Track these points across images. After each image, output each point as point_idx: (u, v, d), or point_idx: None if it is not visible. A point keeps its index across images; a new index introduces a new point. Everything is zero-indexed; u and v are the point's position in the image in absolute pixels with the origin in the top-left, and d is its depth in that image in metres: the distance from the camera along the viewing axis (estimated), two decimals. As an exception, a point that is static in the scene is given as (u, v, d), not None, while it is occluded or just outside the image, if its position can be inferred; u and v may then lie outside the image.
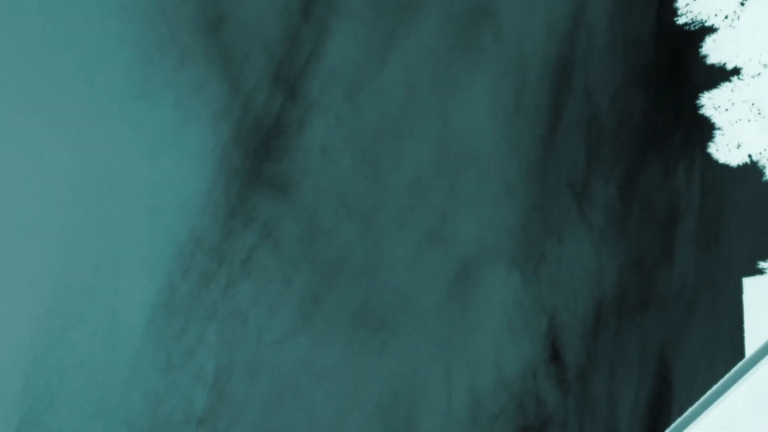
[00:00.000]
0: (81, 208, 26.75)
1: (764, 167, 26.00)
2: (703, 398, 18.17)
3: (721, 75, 26.32)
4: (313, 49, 28.06)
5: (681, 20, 26.42)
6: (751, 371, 17.80)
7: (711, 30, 26.16)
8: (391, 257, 28.17)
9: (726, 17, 25.67)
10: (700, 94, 26.64)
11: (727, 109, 25.97)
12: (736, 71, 26.05)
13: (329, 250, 28.04)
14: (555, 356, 28.46)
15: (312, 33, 28.01)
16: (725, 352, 27.57)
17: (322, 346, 27.94)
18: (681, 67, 27.88)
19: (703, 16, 25.95)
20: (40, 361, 26.47)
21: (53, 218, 26.43)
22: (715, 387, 18.17)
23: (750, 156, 26.16)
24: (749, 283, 20.39)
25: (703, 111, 26.53)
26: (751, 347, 19.37)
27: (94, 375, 26.81)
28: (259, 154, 28.19)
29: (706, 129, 26.72)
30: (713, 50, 25.92)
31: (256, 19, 27.65)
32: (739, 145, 26.05)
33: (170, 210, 27.38)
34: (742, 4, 25.39)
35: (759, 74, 25.53)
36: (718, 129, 26.28)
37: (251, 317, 27.86)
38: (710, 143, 26.60)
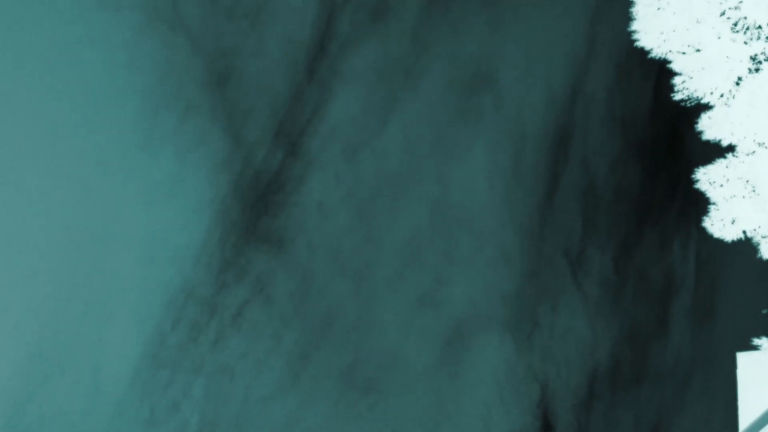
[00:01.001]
0: (73, 253, 26.71)
1: (758, 244, 26.03)
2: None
3: (717, 151, 26.68)
4: (316, 107, 28.58)
5: (677, 96, 26.98)
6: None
7: (707, 107, 26.68)
8: (383, 318, 27.91)
9: (721, 96, 26.23)
10: (696, 169, 26.95)
11: (722, 185, 26.20)
12: (731, 148, 26.42)
13: (321, 308, 27.82)
14: (546, 427, 27.82)
15: (315, 92, 28.58)
16: (719, 428, 26.97)
17: (309, 405, 27.38)
18: (677, 141, 28.28)
19: (698, 94, 26.51)
20: (20, 408, 25.94)
21: (44, 261, 26.38)
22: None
23: (744, 232, 26.24)
24: (743, 359, 20.12)
25: (698, 186, 26.78)
26: (744, 423, 18.96)
27: (74, 426, 26.22)
28: (257, 208, 28.33)
29: (701, 204, 26.90)
30: (709, 127, 26.37)
31: (261, 76, 28.28)
32: (734, 221, 26.17)
33: (164, 260, 27.32)
34: (738, 83, 25.99)
35: (753, 152, 25.89)
36: (713, 204, 26.46)
37: (239, 373, 27.40)
38: (705, 218, 26.73)
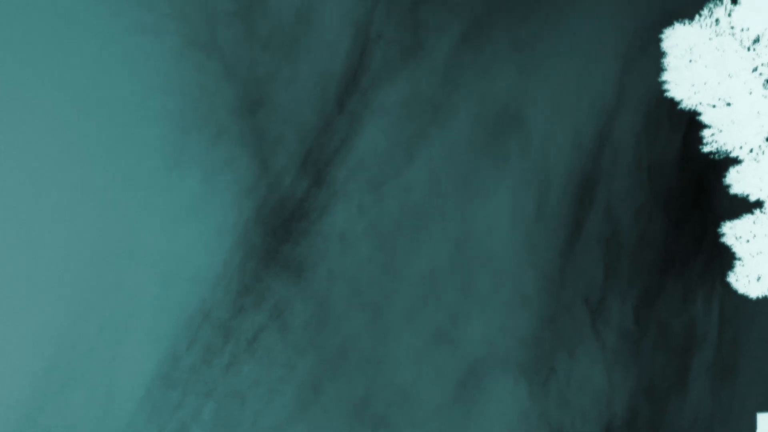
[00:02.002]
0: (94, 268, 26.95)
1: (785, 303, 25.54)
2: None
3: (744, 206, 26.43)
4: (344, 138, 28.87)
5: (706, 149, 26.88)
6: None
7: (735, 161, 26.53)
8: (397, 353, 27.68)
9: (751, 151, 26.08)
10: (722, 223, 26.68)
11: (748, 241, 25.89)
12: (758, 204, 26.17)
13: (336, 339, 27.68)
14: (557, 477, 27.21)
15: (345, 124, 28.91)
16: (737, 494, 26.15)
17: (317, 437, 27.09)
18: (704, 193, 28.08)
19: (728, 147, 26.40)
20: (31, 419, 25.93)
21: (65, 275, 26.62)
22: None
23: (770, 290, 25.81)
24: (764, 420, 19.60)
25: (724, 240, 26.48)
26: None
27: (81, 441, 26.14)
28: (279, 234, 28.48)
29: (726, 258, 26.55)
30: (737, 181, 26.17)
31: (293, 105, 28.69)
32: (759, 278, 25.76)
33: (183, 280, 27.45)
34: (764, 91, 25.83)
35: (782, 209, 25.60)
36: (739, 259, 26.10)
37: (250, 399, 27.23)
38: (730, 273, 26.35)
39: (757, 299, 25.87)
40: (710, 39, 26.06)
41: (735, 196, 26.42)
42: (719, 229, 26.78)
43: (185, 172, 27.82)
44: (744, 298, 26.06)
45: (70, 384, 26.17)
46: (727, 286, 26.32)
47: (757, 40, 25.68)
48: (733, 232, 26.12)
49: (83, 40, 27.28)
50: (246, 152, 28.36)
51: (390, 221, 28.85)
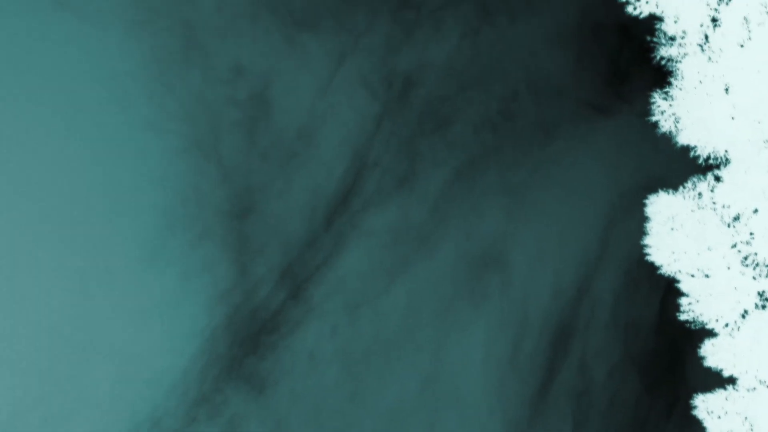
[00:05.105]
0: (50, 353, 25.83)
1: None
2: None
3: (717, 380, 26.30)
4: (327, 257, 28.79)
5: (683, 317, 27.09)
6: None
7: (711, 333, 26.68)
8: (352, 490, 26.29)
9: (726, 325, 26.30)
10: (695, 395, 26.43)
11: (719, 417, 25.56)
12: (732, 380, 26.07)
13: (289, 466, 26.31)
14: None
15: (330, 242, 28.93)
16: None
17: None
18: (678, 361, 28.01)
19: (704, 319, 26.61)
20: None
21: (16, 356, 25.43)
22: None
23: (740, 472, 25.21)
24: None
25: (696, 412, 26.13)
26: None
27: None
28: (246, 345, 27.71)
29: (696, 431, 26.10)
30: (711, 354, 26.20)
31: (281, 217, 28.79)
32: (730, 458, 25.23)
33: (139, 381, 26.32)
34: (743, 316, 26.17)
35: (755, 389, 25.50)
36: (710, 435, 25.66)
37: None
38: (700, 448, 25.82)
39: (726, 479, 25.24)
40: (692, 211, 26.95)
41: (709, 368, 26.36)
42: (691, 401, 26.49)
43: (162, 269, 27.35)
44: (712, 476, 25.42)
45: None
46: (696, 461, 25.73)
47: (737, 218, 26.59)
48: (705, 406, 25.84)
49: (88, 128, 27.53)
50: (227, 257, 28.11)
51: (362, 346, 28.27)
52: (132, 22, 27.18)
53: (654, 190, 27.98)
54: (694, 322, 26.84)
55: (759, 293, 26.20)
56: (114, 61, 27.15)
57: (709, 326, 26.53)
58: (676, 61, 26.51)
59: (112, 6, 26.97)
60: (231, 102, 28.00)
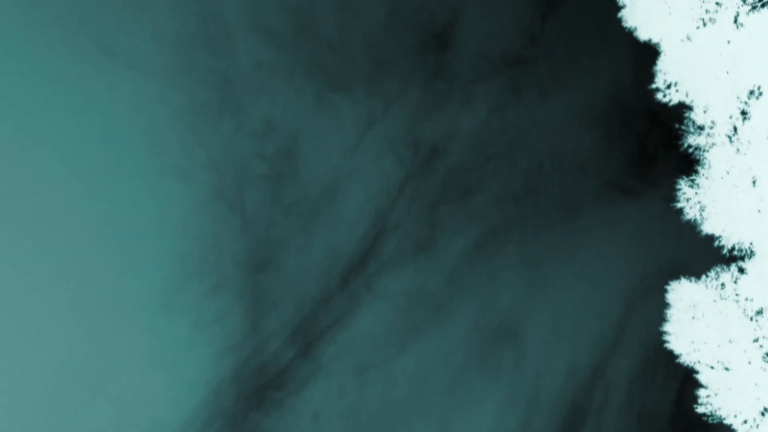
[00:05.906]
0: (52, 395, 25.64)
1: None
2: None
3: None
4: (340, 316, 28.60)
5: (700, 409, 26.25)
6: None
7: (729, 429, 25.75)
8: None
9: (745, 422, 25.41)
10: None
11: None
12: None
13: None
14: None
15: (344, 302, 28.78)
16: None
17: None
18: (694, 456, 27.00)
19: (722, 413, 25.76)
20: None
21: (18, 395, 25.30)
22: None
23: None
24: None
25: None
26: None
27: None
28: (252, 400, 27.33)
29: None
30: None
31: (298, 273, 28.77)
32: None
33: (139, 429, 25.96)
34: (763, 414, 25.28)
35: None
36: None
37: None
38: None
39: None
40: (714, 301, 26.43)
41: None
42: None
43: (174, 317, 27.34)
44: None
45: None
46: None
47: (760, 312, 26.00)
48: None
49: (118, 170, 28.04)
50: (240, 309, 28.05)
51: (368, 411, 27.72)
52: (173, 72, 28.02)
53: (676, 276, 27.58)
54: (711, 415, 25.97)
55: (780, 392, 25.38)
56: (151, 107, 27.88)
57: (727, 421, 25.63)
58: (704, 150, 26.52)
59: (156, 56, 27.87)
60: (259, 156, 28.48)
